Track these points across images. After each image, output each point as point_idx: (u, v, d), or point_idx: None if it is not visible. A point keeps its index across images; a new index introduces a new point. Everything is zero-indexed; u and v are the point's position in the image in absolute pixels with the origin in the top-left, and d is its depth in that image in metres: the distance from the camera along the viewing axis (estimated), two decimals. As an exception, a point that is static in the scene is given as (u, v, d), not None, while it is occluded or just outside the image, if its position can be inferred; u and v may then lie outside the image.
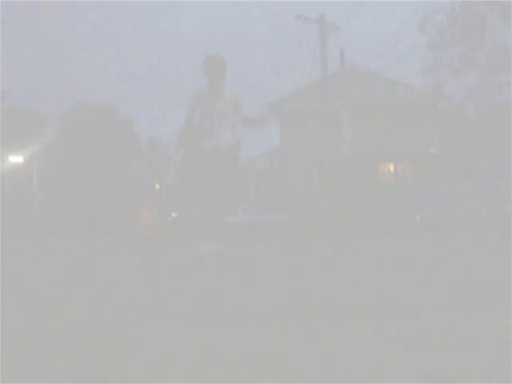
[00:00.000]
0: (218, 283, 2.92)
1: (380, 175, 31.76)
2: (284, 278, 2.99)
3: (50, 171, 51.69)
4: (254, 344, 1.36)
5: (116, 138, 63.95)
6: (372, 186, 29.21)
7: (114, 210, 60.49)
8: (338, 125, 32.44)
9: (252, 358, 1.23)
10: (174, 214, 32.55)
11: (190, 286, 2.85)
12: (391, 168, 32.28)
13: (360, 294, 2.16)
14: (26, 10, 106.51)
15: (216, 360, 1.24)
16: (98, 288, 2.90)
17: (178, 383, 1.01)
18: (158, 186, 70.82)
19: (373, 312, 1.77)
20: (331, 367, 1.16)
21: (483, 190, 27.33)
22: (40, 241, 20.02)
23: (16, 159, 42.88)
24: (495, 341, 1.38)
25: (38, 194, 43.53)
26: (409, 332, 1.46)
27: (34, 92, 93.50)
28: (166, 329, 1.64)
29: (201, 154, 6.94)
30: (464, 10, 39.35)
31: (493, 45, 39.98)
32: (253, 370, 1.12)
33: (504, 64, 39.37)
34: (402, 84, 33.68)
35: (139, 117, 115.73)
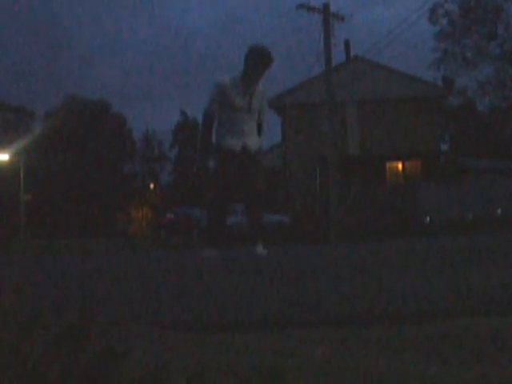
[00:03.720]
0: (217, 286, 2.94)
1: (388, 174, 31.74)
2: (284, 280, 3.01)
3: (38, 170, 51.71)
4: (255, 351, 1.37)
5: (107, 134, 64.00)
6: (379, 186, 29.20)
7: (105, 210, 60.53)
8: (343, 119, 32.46)
9: (251, 364, 1.24)
10: (168, 216, 32.57)
11: (189, 288, 2.87)
12: (399, 166, 32.27)
13: (367, 299, 2.17)
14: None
15: (215, 366, 1.25)
16: (89, 290, 2.91)
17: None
18: (152, 186, 70.89)
19: (378, 317, 1.78)
20: (336, 376, 1.17)
21: (497, 189, 27.34)
22: (27, 242, 20.04)
23: (1, 157, 42.91)
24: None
25: (24, 194, 43.54)
26: (423, 337, 1.47)
27: (20, 86, 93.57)
28: (164, 334, 1.66)
29: (231, 155, 6.65)
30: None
31: (507, 35, 40.01)
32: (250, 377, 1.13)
33: (519, 55, 39.39)
34: (411, 76, 33.64)
35: (132, 112, 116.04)
